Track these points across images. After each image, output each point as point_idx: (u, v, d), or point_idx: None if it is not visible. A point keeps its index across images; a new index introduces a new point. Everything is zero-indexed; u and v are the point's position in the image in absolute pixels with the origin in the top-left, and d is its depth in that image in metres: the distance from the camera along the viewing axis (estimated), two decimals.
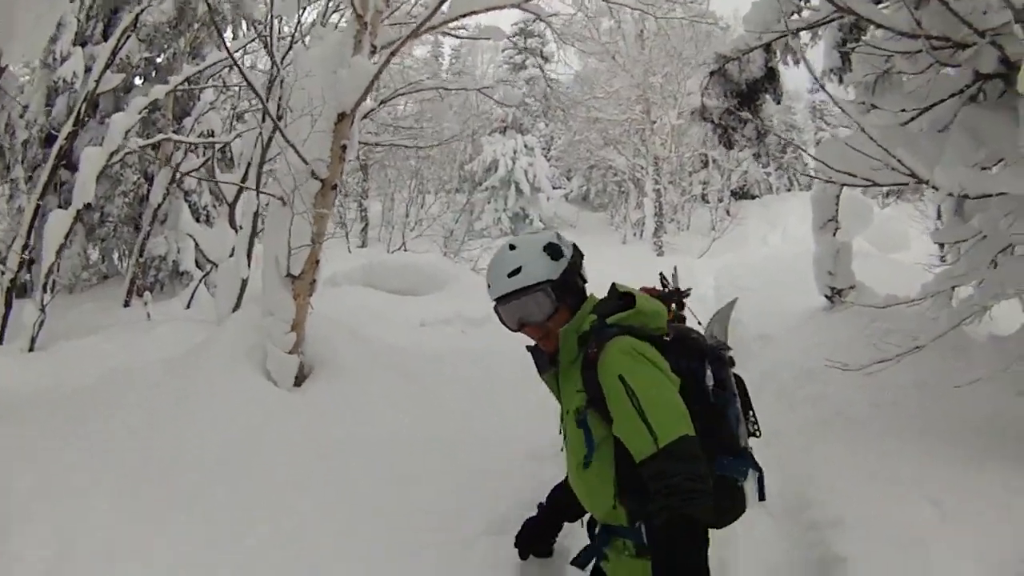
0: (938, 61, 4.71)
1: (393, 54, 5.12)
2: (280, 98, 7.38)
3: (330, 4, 9.75)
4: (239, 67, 5.30)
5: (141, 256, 11.84)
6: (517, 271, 2.16)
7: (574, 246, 2.28)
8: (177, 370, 4.83)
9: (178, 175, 11.35)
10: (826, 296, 7.76)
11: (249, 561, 2.97)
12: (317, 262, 5.26)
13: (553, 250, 2.20)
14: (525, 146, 28.94)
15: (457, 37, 7.53)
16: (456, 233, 21.11)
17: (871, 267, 9.33)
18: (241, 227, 9.93)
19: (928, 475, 3.60)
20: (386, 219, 24.04)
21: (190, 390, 4.54)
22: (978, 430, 4.39)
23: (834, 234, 7.58)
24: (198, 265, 12.74)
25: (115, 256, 13.66)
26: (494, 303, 2.23)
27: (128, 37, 10.11)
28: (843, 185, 5.04)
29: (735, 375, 2.24)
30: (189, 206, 12.90)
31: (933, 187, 3.57)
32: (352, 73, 5.18)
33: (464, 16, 6.31)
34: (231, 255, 9.62)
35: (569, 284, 2.20)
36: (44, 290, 8.78)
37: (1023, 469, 3.60)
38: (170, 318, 9.82)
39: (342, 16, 9.72)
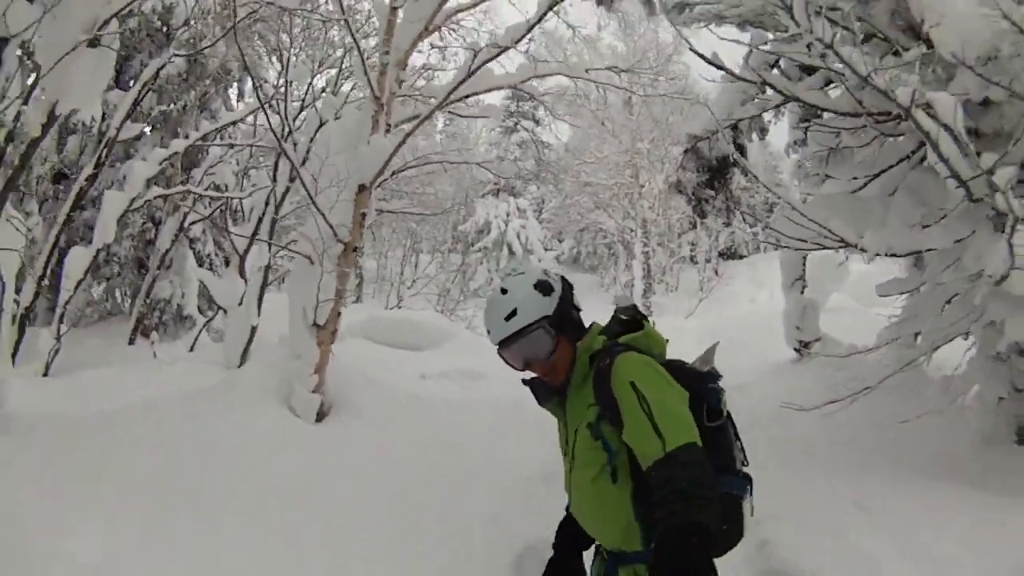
0: (882, 133, 5.43)
1: (408, 135, 5.88)
2: (296, 162, 8.14)
3: (340, 74, 10.55)
4: (277, 137, 6.05)
5: (147, 298, 12.34)
6: (513, 313, 2.18)
7: (562, 278, 2.33)
8: (206, 402, 5.41)
9: (186, 223, 12.05)
10: (795, 349, 8.41)
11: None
12: (339, 314, 5.92)
13: (543, 287, 2.24)
14: (517, 208, 29.94)
15: (460, 116, 8.32)
16: (451, 292, 21.72)
17: (846, 320, 9.96)
18: (248, 279, 10.61)
19: (862, 489, 4.19)
20: (380, 276, 24.70)
21: (220, 419, 5.09)
22: (922, 457, 4.99)
23: (802, 292, 8.27)
24: (200, 310, 13.31)
25: (118, 295, 14.06)
26: (496, 347, 2.26)
27: (149, 90, 10.75)
28: (796, 249, 5.72)
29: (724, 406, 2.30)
30: (194, 253, 13.49)
31: (862, 249, 4.21)
32: (371, 150, 5.94)
33: (468, 97, 7.12)
34: (240, 303, 10.25)
35: (564, 317, 2.24)
36: (60, 320, 9.30)
37: (952, 486, 4.20)
38: (179, 358, 10.36)
39: (352, 86, 10.50)
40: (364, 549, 3.59)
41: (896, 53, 5.30)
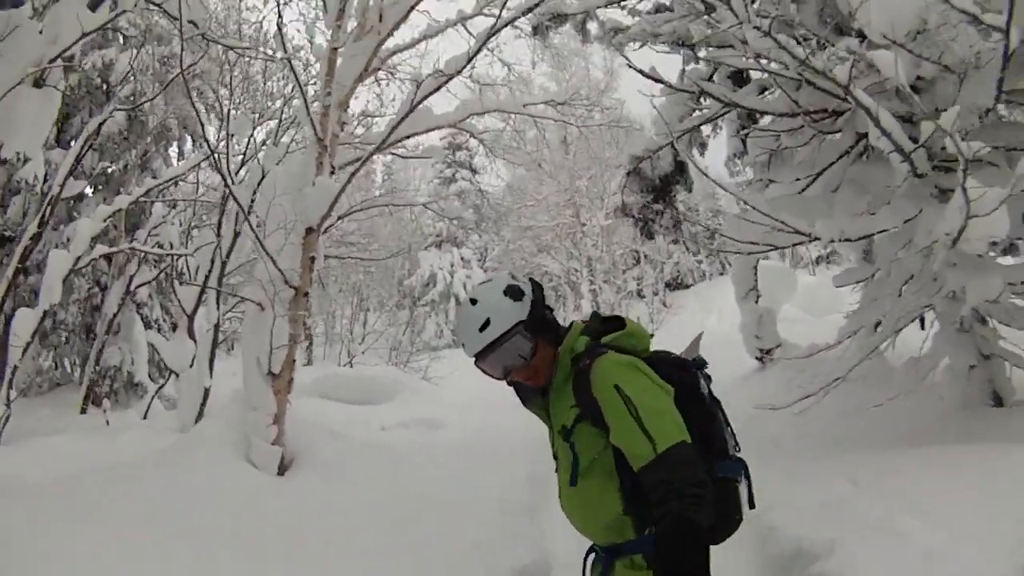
0: (820, 131, 5.58)
1: (354, 175, 5.84)
2: (240, 213, 7.97)
3: (281, 125, 10.49)
4: (229, 187, 5.91)
5: (97, 365, 11.95)
6: (487, 324, 2.14)
7: (531, 280, 2.30)
8: (166, 462, 5.20)
9: (132, 287, 11.72)
10: (757, 358, 8.49)
11: None
12: (294, 361, 5.74)
13: (513, 292, 2.19)
14: (461, 259, 29.98)
15: (403, 157, 8.32)
16: (403, 344, 21.50)
17: (800, 329, 10.14)
18: (198, 339, 10.31)
19: (848, 467, 4.20)
20: (330, 336, 24.33)
21: (181, 478, 4.87)
22: (896, 434, 5.05)
23: (756, 301, 8.38)
24: (151, 377, 12.95)
25: (66, 364, 13.62)
26: (473, 360, 2.21)
27: (90, 146, 10.48)
28: (749, 253, 5.80)
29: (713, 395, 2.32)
30: (141, 318, 13.17)
31: (816, 238, 4.28)
32: (317, 191, 5.85)
33: (409, 137, 7.11)
34: (191, 365, 9.93)
35: (539, 319, 2.20)
36: (9, 386, 8.80)
37: (934, 448, 4.23)
38: (133, 425, 9.97)
39: (292, 136, 10.44)
40: None
41: (822, 47, 5.51)
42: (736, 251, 5.70)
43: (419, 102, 5.75)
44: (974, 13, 3.27)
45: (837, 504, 3.58)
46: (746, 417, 6.36)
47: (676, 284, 31.22)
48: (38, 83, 5.00)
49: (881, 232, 4.66)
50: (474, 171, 32.45)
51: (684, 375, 2.12)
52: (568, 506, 2.18)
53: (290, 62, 5.99)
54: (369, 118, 10.34)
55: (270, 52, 10.21)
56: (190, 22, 4.82)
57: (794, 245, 5.10)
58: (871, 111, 3.51)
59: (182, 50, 5.23)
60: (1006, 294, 4.99)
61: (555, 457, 2.23)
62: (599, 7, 6.60)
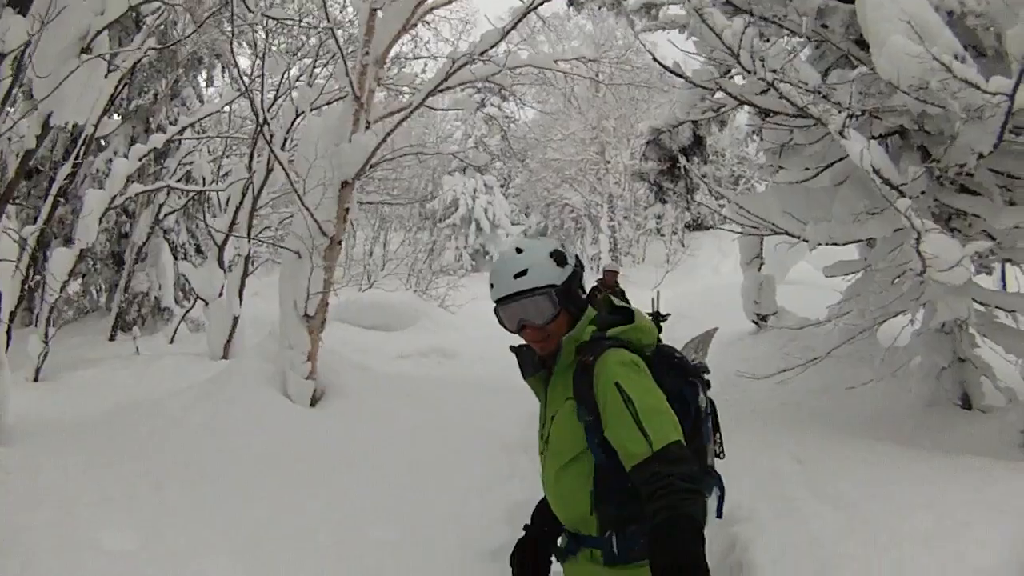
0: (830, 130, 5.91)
1: (388, 135, 6.23)
2: (278, 154, 8.37)
3: (316, 62, 10.77)
4: (259, 125, 6.31)
5: (126, 292, 12.52)
6: (523, 273, 2.14)
7: (577, 256, 2.29)
8: (208, 395, 5.79)
9: (161, 215, 12.20)
10: (753, 321, 8.99)
11: (279, 548, 3.68)
12: (327, 304, 6.30)
13: (559, 257, 2.19)
14: (484, 185, 30.24)
15: (435, 110, 8.65)
16: (422, 271, 21.94)
17: (802, 295, 10.51)
18: (231, 268, 10.87)
19: (801, 443, 4.72)
20: (350, 257, 24.86)
21: (221, 410, 5.48)
22: (862, 418, 5.58)
23: (759, 269, 8.83)
24: (176, 301, 13.52)
25: (93, 292, 14.18)
26: (495, 304, 2.21)
27: (125, 85, 10.78)
28: (749, 234, 6.19)
29: (709, 399, 2.30)
30: (168, 244, 13.59)
31: (804, 240, 4.70)
32: (353, 148, 6.28)
33: (444, 91, 7.46)
34: (220, 294, 10.52)
35: (571, 291, 2.20)
36: (48, 324, 9.47)
37: (881, 442, 4.75)
38: (162, 352, 10.64)
39: (329, 76, 10.68)
40: (373, 509, 4.01)
41: (846, 58, 5.79)
42: (739, 232, 6.11)
43: (452, 72, 6.12)
44: (976, 84, 3.60)
45: (773, 477, 4.07)
46: (733, 379, 6.91)
47: (696, 225, 31.28)
48: (85, 50, 5.32)
49: (869, 239, 5.08)
50: (503, 97, 32.26)
51: (681, 383, 2.15)
52: (547, 485, 2.27)
53: (333, 32, 6.30)
54: (403, 59, 10.62)
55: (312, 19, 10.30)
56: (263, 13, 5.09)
57: (794, 237, 5.51)
58: (862, 155, 3.88)
59: (232, 15, 5.50)
60: (990, 310, 5.44)
61: (541, 436, 2.27)
62: None
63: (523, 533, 2.49)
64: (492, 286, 2.21)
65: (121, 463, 4.50)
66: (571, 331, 2.19)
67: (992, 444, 4.85)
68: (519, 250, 2.21)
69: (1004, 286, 7.02)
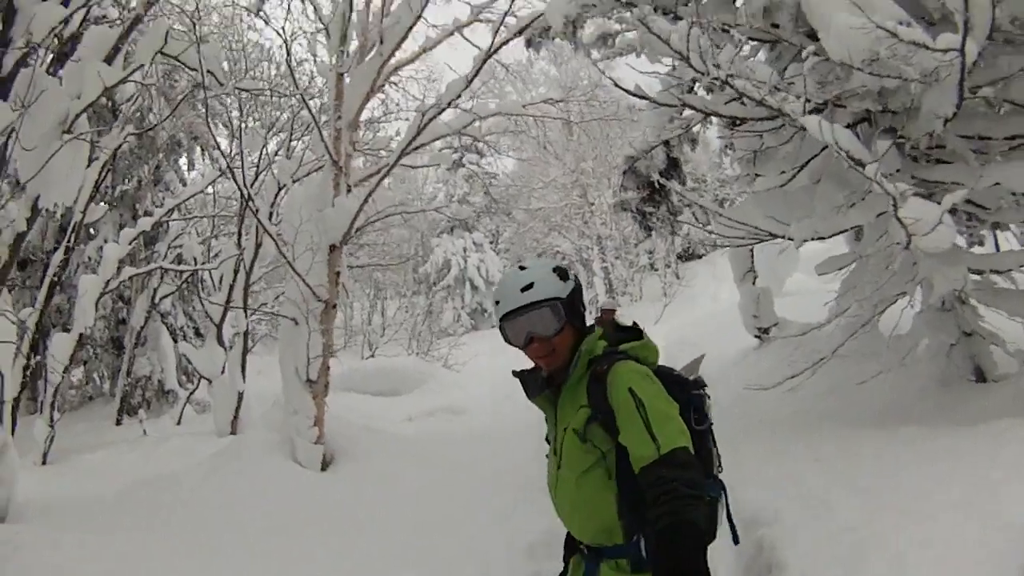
0: (801, 128, 5.96)
1: (370, 195, 6.33)
2: (260, 225, 8.45)
3: (291, 136, 10.96)
4: (250, 205, 6.42)
5: (128, 376, 12.56)
6: (529, 287, 2.19)
7: (575, 276, 2.36)
8: (217, 468, 5.77)
9: (157, 299, 12.28)
10: (755, 336, 8.97)
11: None
12: (328, 368, 6.30)
13: (561, 272, 2.26)
14: (474, 243, 30.44)
15: (413, 168, 8.80)
16: (422, 334, 21.99)
17: (801, 304, 10.49)
18: (231, 345, 10.86)
19: (817, 444, 4.68)
20: (349, 328, 24.88)
21: (231, 481, 5.47)
22: (874, 410, 5.53)
23: (753, 282, 8.85)
24: (180, 383, 13.59)
25: (96, 378, 14.23)
26: (500, 321, 2.25)
27: (109, 171, 10.90)
28: (737, 246, 6.23)
29: None
30: (166, 327, 13.75)
31: (789, 238, 4.72)
32: (337, 212, 6.37)
33: (417, 148, 7.59)
34: (223, 371, 10.50)
35: (575, 305, 2.26)
36: (52, 408, 9.42)
37: (899, 428, 4.69)
38: (170, 434, 10.60)
39: (306, 147, 10.88)
40: (381, 557, 4.00)
41: (801, 53, 5.90)
42: (726, 245, 6.16)
43: (424, 126, 6.24)
44: (923, 43, 3.66)
45: (792, 479, 4.04)
46: (741, 395, 6.88)
47: (688, 255, 31.33)
48: (67, 133, 5.42)
49: (854, 228, 5.11)
50: (480, 154, 32.70)
51: (686, 395, 2.19)
52: (563, 502, 2.24)
53: (304, 100, 6.45)
54: (376, 123, 10.82)
55: (281, 88, 10.56)
56: (209, 72, 5.25)
57: (780, 238, 5.53)
58: (821, 127, 3.93)
59: (206, 99, 5.65)
60: (987, 276, 5.43)
61: (555, 452, 2.27)
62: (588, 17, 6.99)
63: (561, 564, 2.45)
64: (497, 303, 2.25)
65: (134, 535, 4.50)
66: (578, 346, 2.22)
67: (1010, 410, 4.78)
68: (523, 267, 2.28)
69: (997, 250, 7.00)
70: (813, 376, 6.04)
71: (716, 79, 4.05)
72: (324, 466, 6.03)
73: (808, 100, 3.97)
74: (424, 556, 3.90)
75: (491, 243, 32.72)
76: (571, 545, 2.44)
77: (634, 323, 2.39)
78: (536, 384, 2.32)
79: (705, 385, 2.34)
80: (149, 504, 5.15)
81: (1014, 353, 5.43)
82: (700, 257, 31.04)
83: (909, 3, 4.57)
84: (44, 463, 8.85)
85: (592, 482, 2.12)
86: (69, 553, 4.05)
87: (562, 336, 2.21)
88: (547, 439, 2.42)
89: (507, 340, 2.28)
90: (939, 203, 3.56)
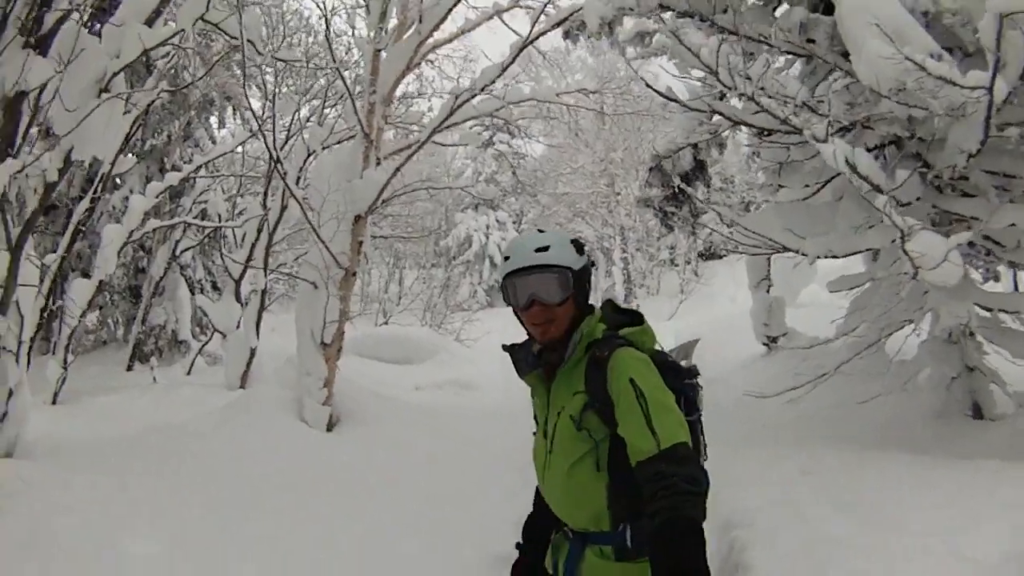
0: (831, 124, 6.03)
1: (398, 170, 6.46)
2: (287, 189, 8.60)
3: (325, 106, 11.10)
4: (280, 174, 6.55)
5: (143, 324, 12.85)
6: (545, 248, 2.13)
7: (589, 255, 2.31)
8: (227, 420, 5.96)
9: (178, 251, 12.53)
10: (764, 343, 9.06)
11: (302, 557, 3.79)
12: (343, 333, 6.48)
13: (577, 245, 2.21)
14: (497, 221, 30.55)
15: (443, 145, 8.91)
16: (437, 307, 22.15)
17: (813, 316, 10.54)
18: (247, 302, 11.09)
19: (809, 457, 4.76)
20: (365, 294, 25.09)
21: (241, 434, 5.64)
22: (871, 430, 5.64)
23: (767, 291, 8.92)
24: (193, 335, 13.87)
25: (111, 324, 14.53)
26: (506, 277, 2.18)
27: (140, 125, 11.12)
28: (754, 254, 6.32)
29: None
30: (185, 279, 14.01)
31: (804, 254, 4.81)
32: (365, 184, 6.51)
33: (448, 127, 7.70)
34: (238, 326, 10.74)
35: (583, 281, 2.19)
36: (67, 350, 9.73)
37: (892, 452, 4.80)
38: (181, 383, 10.89)
39: (338, 116, 11.03)
40: (392, 524, 4.11)
41: (834, 70, 5.95)
42: (743, 252, 6.25)
43: (457, 108, 6.35)
44: (951, 79, 3.72)
45: (779, 486, 4.12)
46: (745, 400, 6.97)
47: (709, 254, 31.25)
48: (104, 91, 5.58)
49: (870, 249, 5.18)
50: (511, 134, 32.68)
51: (680, 383, 2.15)
52: (552, 486, 2.21)
53: (341, 73, 6.57)
54: (409, 98, 10.94)
55: (317, 59, 10.65)
56: (248, 42, 5.36)
57: (795, 252, 5.61)
58: (835, 156, 4.01)
59: (244, 65, 5.74)
60: (996, 314, 5.49)
61: (545, 434, 2.23)
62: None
63: (517, 552, 2.46)
64: (507, 258, 2.19)
65: (147, 480, 4.63)
66: (577, 324, 2.17)
67: (1005, 451, 4.86)
68: (540, 231, 2.23)
69: (1016, 289, 7.05)
70: (815, 389, 6.16)
71: (743, 94, 4.11)
72: (330, 427, 6.21)
73: (832, 122, 4.01)
74: (434, 527, 4.00)
75: (515, 223, 32.79)
76: (535, 528, 2.45)
77: (633, 308, 2.33)
78: (527, 360, 2.26)
79: (698, 374, 2.30)
80: (159, 451, 5.28)
81: (1012, 395, 5.50)
82: (721, 257, 30.90)
83: (945, 34, 4.63)
84: (54, 403, 9.04)
85: (584, 470, 2.09)
86: (79, 494, 4.18)
87: (564, 308, 2.15)
88: (535, 417, 2.38)
89: (507, 299, 2.21)
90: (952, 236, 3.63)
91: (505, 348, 2.30)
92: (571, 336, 2.16)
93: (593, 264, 2.31)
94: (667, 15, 4.74)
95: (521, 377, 2.30)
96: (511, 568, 2.43)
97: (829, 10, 4.84)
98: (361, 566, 3.55)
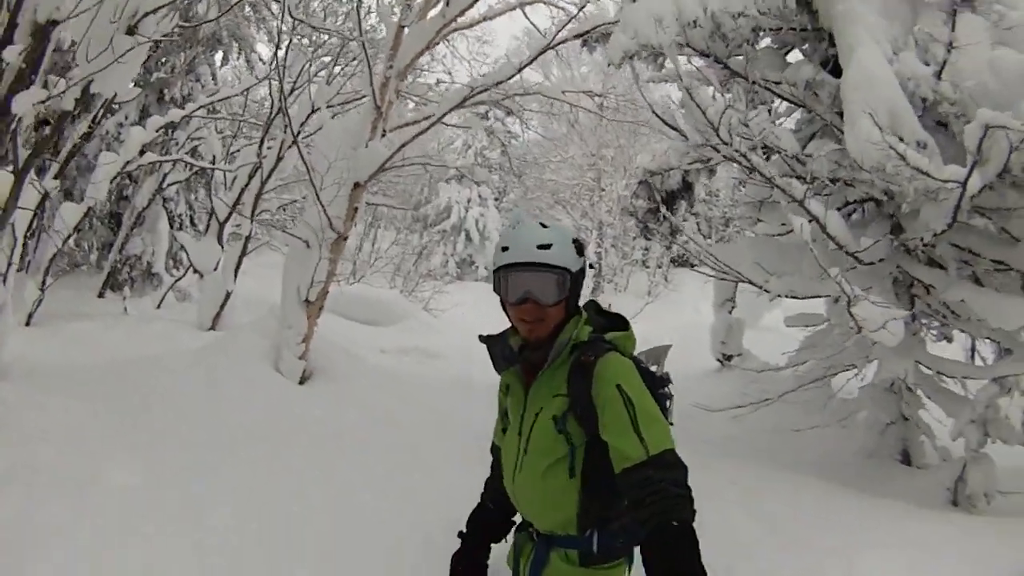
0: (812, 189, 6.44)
1: (404, 146, 6.70)
2: (287, 138, 8.71)
3: (335, 63, 11.21)
4: (290, 126, 6.75)
5: (120, 253, 12.91)
6: (547, 247, 2.07)
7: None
8: (200, 360, 6.14)
9: (164, 184, 12.60)
10: (718, 360, 9.54)
11: (277, 504, 3.91)
12: (327, 294, 6.74)
13: (579, 247, 2.16)
14: (479, 196, 30.78)
15: (447, 125, 9.14)
16: (409, 272, 22.30)
17: (770, 341, 10.98)
18: (230, 245, 11.23)
19: (740, 471, 5.17)
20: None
21: (217, 376, 5.79)
22: (805, 458, 6.09)
23: (730, 312, 9.38)
24: (167, 269, 13.92)
25: (87, 247, 14.40)
26: (501, 269, 2.12)
27: (149, 56, 11.13)
28: (721, 279, 6.73)
29: None
30: (166, 212, 14.02)
31: (767, 291, 5.21)
32: (369, 153, 6.74)
33: (451, 110, 7.94)
34: (216, 268, 10.89)
35: (578, 285, 2.16)
36: (46, 273, 9.83)
37: (814, 480, 5.24)
38: (152, 316, 11.03)
39: (347, 77, 11.17)
40: (362, 480, 4.32)
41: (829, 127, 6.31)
42: (710, 275, 6.66)
43: (470, 97, 6.63)
44: (928, 172, 4.10)
45: (707, 493, 4.43)
46: (686, 412, 7.38)
47: (681, 261, 31.68)
48: (131, 31, 5.70)
49: (827, 296, 5.62)
50: (507, 112, 32.59)
51: (654, 392, 2.14)
52: (523, 486, 2.18)
53: (364, 47, 6.76)
54: (417, 70, 11.08)
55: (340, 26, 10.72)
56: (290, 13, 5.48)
57: (760, 286, 6.01)
58: (819, 220, 4.41)
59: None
60: (935, 374, 5.92)
61: (519, 433, 2.19)
62: None
63: (459, 542, 2.46)
64: (505, 249, 2.13)
65: (120, 410, 4.74)
66: (564, 328, 2.15)
67: (923, 498, 5.26)
68: (544, 225, 2.18)
69: (972, 355, 7.55)
70: (759, 411, 6.60)
71: (737, 151, 4.47)
72: (302, 380, 6.49)
73: (811, 188, 4.39)
74: (405, 493, 4.18)
75: (496, 199, 33.00)
76: (482, 523, 2.46)
77: (617, 312, 2.35)
78: (504, 355, 2.23)
79: (670, 382, 2.38)
80: (132, 383, 5.38)
81: (939, 449, 5.98)
82: (693, 266, 31.31)
83: (936, 117, 4.98)
84: (28, 324, 9.10)
85: (558, 473, 2.09)
86: (54, 417, 4.29)
87: (556, 309, 2.12)
88: (504, 413, 2.38)
89: (497, 290, 2.17)
90: (897, 307, 4.05)
91: (482, 340, 2.28)
92: (554, 336, 2.14)
93: (591, 266, 2.43)
94: (684, 68, 5.05)
95: (498, 372, 2.30)
96: (451, 557, 2.43)
97: (836, 71, 5.19)
98: (333, 520, 3.81)
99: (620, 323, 2.28)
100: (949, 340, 6.59)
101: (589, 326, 2.20)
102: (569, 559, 2.10)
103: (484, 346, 2.29)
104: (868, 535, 3.90)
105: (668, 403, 2.34)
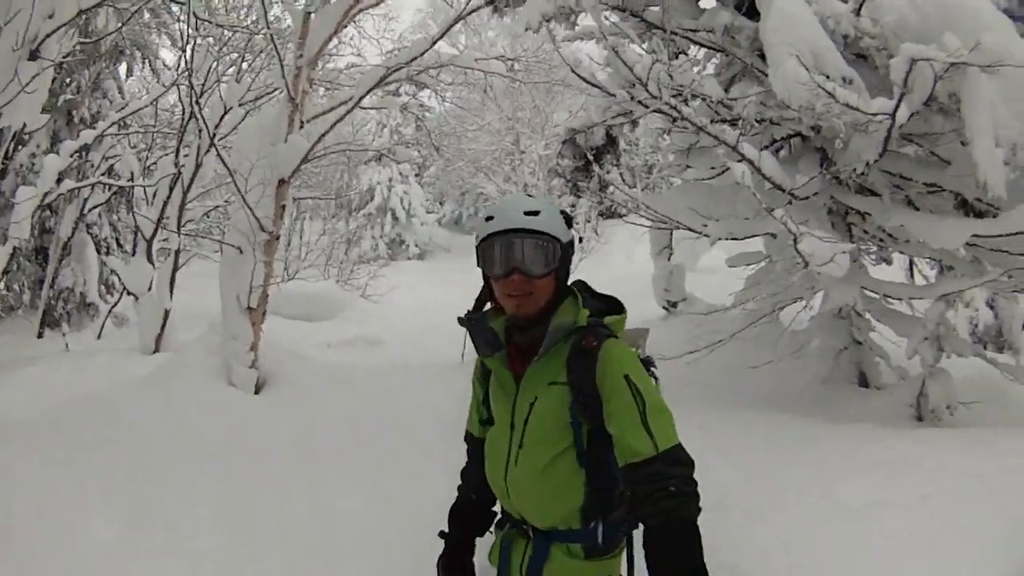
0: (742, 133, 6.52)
1: (323, 136, 6.54)
2: (203, 145, 8.48)
3: (243, 60, 10.85)
4: (207, 130, 6.50)
5: (52, 287, 12.41)
6: (535, 213, 1.95)
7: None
8: (153, 388, 5.97)
9: (86, 210, 12.07)
10: (664, 307, 9.68)
11: (251, 530, 3.86)
12: (267, 297, 6.57)
13: (567, 218, 2.06)
14: (400, 174, 30.39)
15: (364, 108, 8.94)
16: (341, 260, 21.97)
17: (713, 282, 11.16)
18: (161, 262, 10.85)
19: (701, 412, 5.19)
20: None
21: (173, 402, 5.67)
22: (761, 394, 6.23)
23: (668, 259, 9.51)
24: (100, 296, 13.42)
25: (18, 288, 13.78)
26: (486, 238, 1.99)
27: (53, 79, 10.58)
28: (659, 228, 6.79)
29: None
30: (91, 238, 13.47)
31: (706, 235, 5.28)
32: (289, 148, 6.57)
33: (369, 92, 7.77)
34: (149, 288, 10.49)
35: (568, 256, 2.04)
36: None
37: (774, 413, 5.38)
38: (94, 349, 10.57)
39: (256, 73, 10.83)
40: (336, 483, 4.33)
41: (749, 69, 6.37)
42: (647, 225, 6.71)
43: (384, 77, 6.48)
44: (857, 107, 4.15)
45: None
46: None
47: (610, 214, 32.01)
48: (33, 55, 5.38)
49: (767, 234, 5.71)
50: (417, 86, 32.17)
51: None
52: (520, 482, 2.06)
53: (273, 40, 6.55)
54: (327, 55, 10.84)
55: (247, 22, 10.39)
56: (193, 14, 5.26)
57: (699, 232, 6.06)
58: (754, 162, 4.46)
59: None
60: (883, 297, 6.10)
61: (511, 425, 2.07)
62: None
63: (443, 541, 2.32)
64: (490, 219, 2.00)
65: (84, 460, 4.60)
66: (560, 310, 2.03)
67: (884, 415, 5.38)
68: (530, 195, 2.18)
69: (911, 274, 7.81)
70: (712, 353, 6.71)
71: (667, 103, 4.47)
72: (257, 390, 6.35)
73: (743, 131, 4.43)
74: (371, 490, 4.19)
75: (416, 175, 32.66)
76: (464, 520, 2.33)
77: (610, 294, 2.21)
78: (487, 340, 2.06)
79: (654, 365, 2.30)
80: (91, 424, 5.20)
81: (895, 368, 6.17)
82: (622, 217, 31.75)
83: (858, 51, 5.06)
84: None
85: (564, 465, 1.99)
86: (23, 479, 4.18)
87: (545, 283, 1.99)
88: (483, 403, 2.26)
89: (481, 263, 2.03)
90: (836, 239, 4.14)
91: (461, 322, 2.13)
92: (545, 316, 2.02)
93: (581, 240, 2.24)
94: (606, 24, 5.01)
95: (482, 357, 2.15)
96: (437, 560, 2.29)
97: (751, 13, 5.22)
98: (316, 530, 3.77)
99: (615, 306, 2.16)
100: (888, 263, 6.79)
101: (587, 309, 2.05)
102: (572, 553, 2.02)
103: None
104: (838, 463, 4.02)
105: (655, 385, 2.21)
